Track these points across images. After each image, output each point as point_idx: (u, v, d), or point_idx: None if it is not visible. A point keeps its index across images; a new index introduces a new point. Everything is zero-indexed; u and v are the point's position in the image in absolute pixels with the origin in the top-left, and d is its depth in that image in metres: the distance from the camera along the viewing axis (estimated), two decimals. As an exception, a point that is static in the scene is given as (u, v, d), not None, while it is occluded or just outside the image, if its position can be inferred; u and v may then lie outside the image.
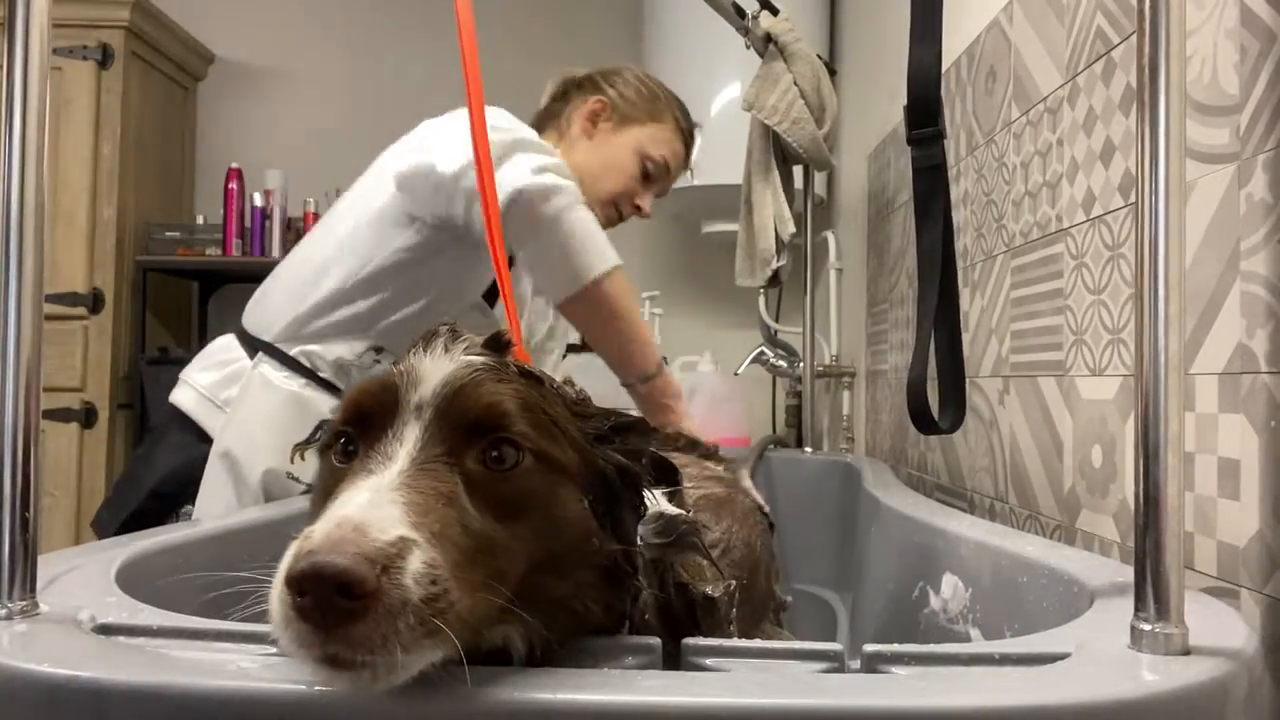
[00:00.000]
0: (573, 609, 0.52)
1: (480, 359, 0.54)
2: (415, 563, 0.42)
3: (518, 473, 0.51)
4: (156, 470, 1.35)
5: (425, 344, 0.55)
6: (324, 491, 0.51)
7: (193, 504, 1.31)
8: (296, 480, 1.25)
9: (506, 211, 1.18)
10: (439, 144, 1.29)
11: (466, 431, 0.50)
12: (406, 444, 0.49)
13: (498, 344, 0.57)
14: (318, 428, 0.63)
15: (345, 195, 1.45)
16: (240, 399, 1.33)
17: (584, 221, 1.27)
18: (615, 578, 0.55)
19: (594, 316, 1.32)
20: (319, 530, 0.42)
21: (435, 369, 0.52)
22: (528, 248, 1.29)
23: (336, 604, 0.40)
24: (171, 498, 1.34)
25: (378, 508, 0.44)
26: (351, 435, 0.52)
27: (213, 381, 1.37)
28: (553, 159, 1.30)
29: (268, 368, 1.34)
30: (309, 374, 1.34)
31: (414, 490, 0.46)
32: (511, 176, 1.22)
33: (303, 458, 0.67)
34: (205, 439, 1.33)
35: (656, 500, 0.66)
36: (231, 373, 1.36)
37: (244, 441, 1.29)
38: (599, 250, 1.27)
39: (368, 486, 0.46)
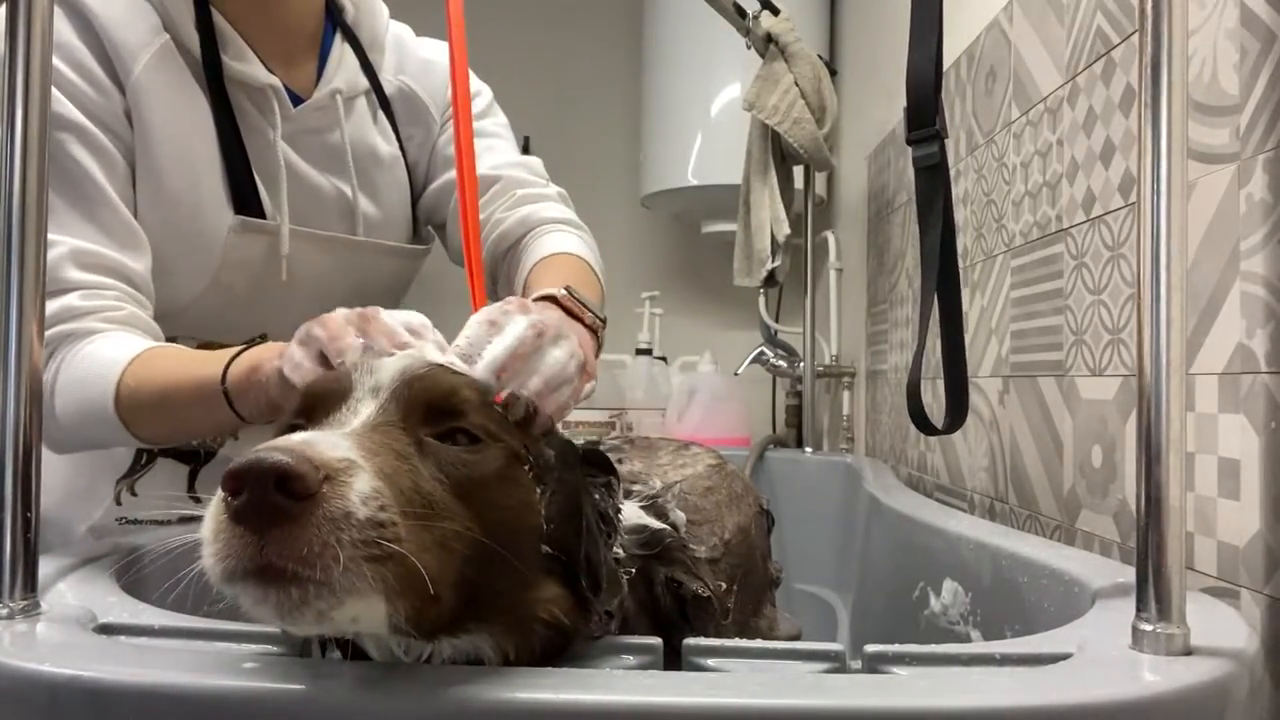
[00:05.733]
0: (527, 622, 0.50)
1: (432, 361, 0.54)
2: (361, 483, 0.41)
3: (472, 450, 0.50)
4: None
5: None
6: None
7: None
8: (137, 522, 1.00)
9: None
10: None
11: (424, 411, 0.50)
12: (361, 415, 0.49)
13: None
14: (141, 454, 0.56)
15: None
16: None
17: (68, 373, 0.91)
18: (578, 595, 0.53)
19: (150, 424, 0.92)
20: (260, 447, 0.40)
21: (392, 362, 0.52)
22: None
23: (274, 501, 0.38)
24: None
25: (326, 438, 0.43)
26: (304, 426, 0.51)
27: None
28: (58, 302, 0.90)
29: None
30: None
31: (366, 439, 0.46)
32: None
33: (133, 492, 0.58)
34: None
35: (638, 513, 0.66)
36: None
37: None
38: (95, 383, 0.90)
39: (316, 432, 0.45)
